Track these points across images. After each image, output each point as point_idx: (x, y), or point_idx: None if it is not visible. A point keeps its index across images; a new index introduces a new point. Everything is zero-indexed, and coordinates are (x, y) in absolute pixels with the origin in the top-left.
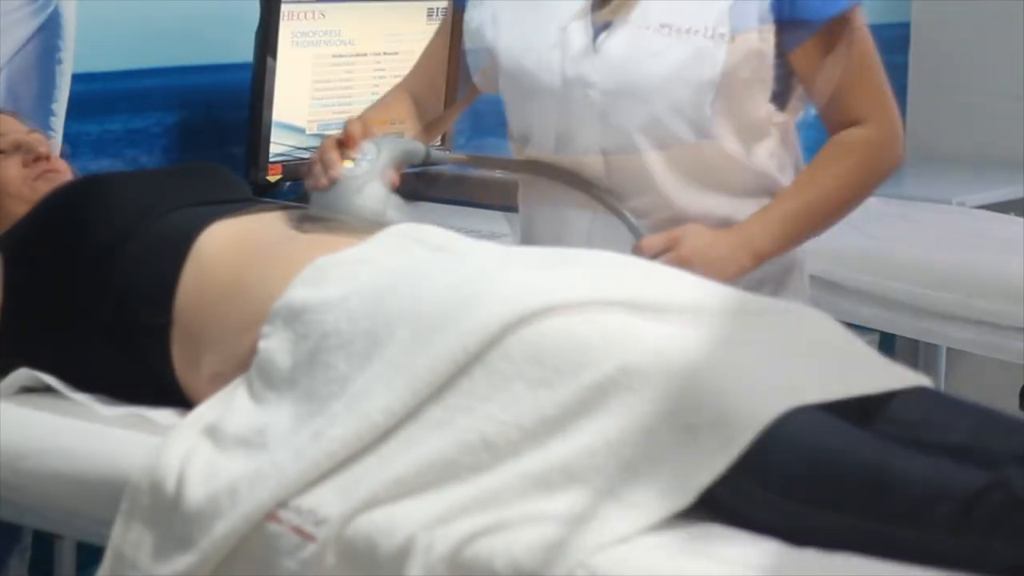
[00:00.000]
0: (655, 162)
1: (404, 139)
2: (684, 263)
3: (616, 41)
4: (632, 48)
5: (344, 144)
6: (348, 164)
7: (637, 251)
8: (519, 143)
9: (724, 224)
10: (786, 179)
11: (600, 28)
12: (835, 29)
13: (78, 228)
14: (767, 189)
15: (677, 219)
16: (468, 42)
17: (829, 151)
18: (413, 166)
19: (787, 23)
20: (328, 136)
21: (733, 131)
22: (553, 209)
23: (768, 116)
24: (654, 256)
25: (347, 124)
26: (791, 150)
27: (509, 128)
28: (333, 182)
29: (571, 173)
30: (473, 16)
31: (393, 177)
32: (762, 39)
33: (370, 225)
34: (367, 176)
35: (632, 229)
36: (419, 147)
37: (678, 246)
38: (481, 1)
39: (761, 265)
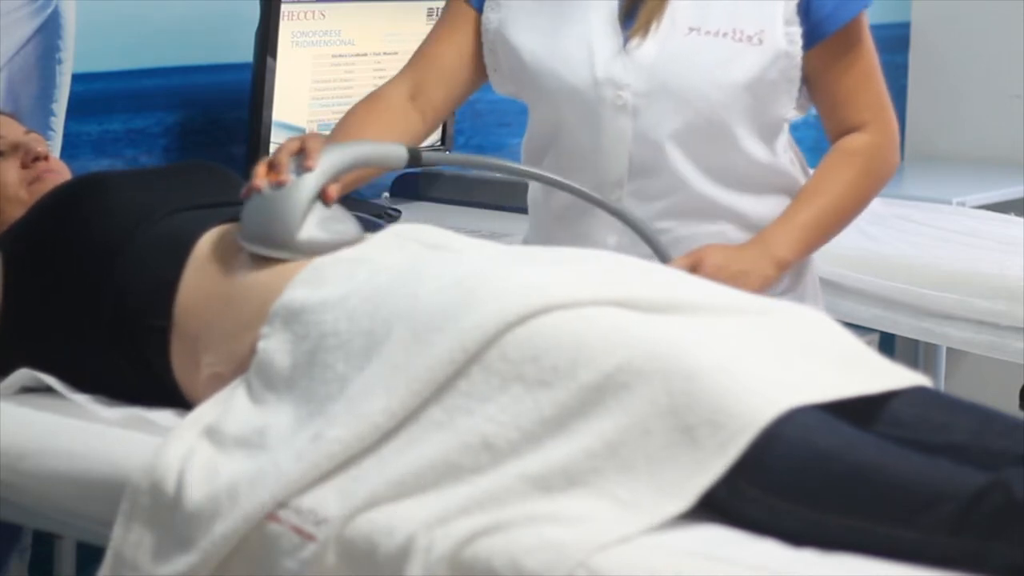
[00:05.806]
0: (682, 161)
1: (365, 145)
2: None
3: (648, 44)
4: (663, 51)
5: (303, 154)
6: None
7: None
8: (539, 142)
9: (745, 221)
10: (796, 175)
11: (629, 30)
12: (848, 33)
13: (78, 229)
14: (785, 186)
15: (702, 215)
16: (486, 43)
17: (835, 158)
18: (394, 170)
19: (805, 25)
20: (288, 140)
21: (758, 131)
22: (574, 232)
23: (787, 115)
24: None
25: (307, 139)
26: (794, 145)
27: (529, 129)
28: (273, 186)
29: (585, 191)
30: (491, 17)
31: (331, 190)
32: (789, 41)
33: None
34: (291, 191)
35: (656, 249)
36: (394, 151)
37: (700, 267)
38: (499, 3)
39: (784, 274)
